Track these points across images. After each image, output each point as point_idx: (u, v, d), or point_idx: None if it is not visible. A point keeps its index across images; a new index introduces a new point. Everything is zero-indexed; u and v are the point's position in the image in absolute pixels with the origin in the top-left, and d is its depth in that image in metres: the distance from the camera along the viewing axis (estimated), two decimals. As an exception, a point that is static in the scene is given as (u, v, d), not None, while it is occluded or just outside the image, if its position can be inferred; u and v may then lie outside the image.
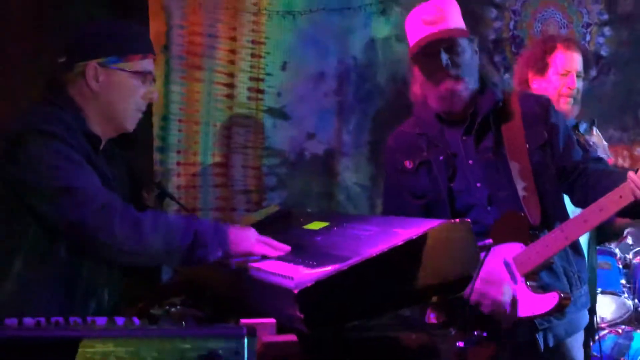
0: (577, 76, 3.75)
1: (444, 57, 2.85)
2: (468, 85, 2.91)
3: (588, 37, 4.82)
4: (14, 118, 2.44)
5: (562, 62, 3.74)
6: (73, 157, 2.34)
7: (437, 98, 2.93)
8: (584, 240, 3.68)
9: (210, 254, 2.36)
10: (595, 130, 3.71)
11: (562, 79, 3.73)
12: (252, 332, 1.59)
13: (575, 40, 3.88)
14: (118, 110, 2.52)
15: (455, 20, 2.91)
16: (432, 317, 2.80)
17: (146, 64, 2.55)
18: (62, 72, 2.51)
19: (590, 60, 3.87)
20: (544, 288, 2.80)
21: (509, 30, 4.82)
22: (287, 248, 2.47)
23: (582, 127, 3.76)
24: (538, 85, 3.77)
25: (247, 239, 2.45)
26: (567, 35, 4.02)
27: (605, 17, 4.86)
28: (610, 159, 3.62)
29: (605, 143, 3.77)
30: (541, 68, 3.77)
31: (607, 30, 4.86)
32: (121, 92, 2.51)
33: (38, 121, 2.36)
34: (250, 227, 2.57)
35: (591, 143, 3.60)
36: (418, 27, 2.89)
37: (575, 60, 3.75)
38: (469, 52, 2.91)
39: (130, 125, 2.58)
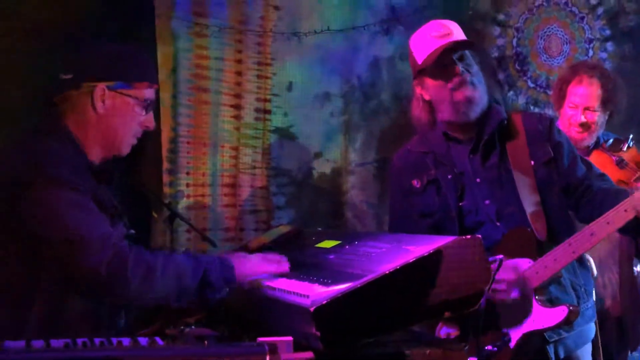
0: (587, 110, 3.83)
1: (460, 64, 2.91)
2: (482, 95, 2.96)
3: (591, 53, 4.87)
4: (18, 157, 2.38)
5: (572, 97, 3.87)
6: (82, 203, 2.31)
7: (453, 107, 2.95)
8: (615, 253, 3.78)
9: (217, 293, 2.39)
10: (627, 146, 3.77)
11: (571, 111, 3.84)
12: (274, 349, 1.62)
13: (595, 74, 3.90)
14: (117, 135, 2.51)
15: (462, 35, 2.98)
16: (442, 333, 2.83)
17: (150, 93, 2.56)
18: (64, 89, 2.49)
19: (616, 89, 3.91)
20: (552, 301, 2.85)
21: (512, 47, 4.86)
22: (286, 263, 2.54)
23: (609, 142, 3.84)
24: (561, 112, 3.94)
25: (252, 266, 2.49)
26: (590, 68, 4.00)
27: (608, 32, 4.91)
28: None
29: None
30: (561, 97, 3.93)
31: (609, 45, 4.91)
32: (123, 118, 2.50)
33: (45, 164, 2.31)
34: (252, 255, 2.59)
35: (616, 158, 3.67)
36: (428, 42, 2.94)
37: (585, 96, 3.84)
38: (476, 65, 2.98)
39: (125, 150, 2.56)
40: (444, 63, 2.91)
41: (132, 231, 2.55)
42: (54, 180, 2.29)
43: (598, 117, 3.85)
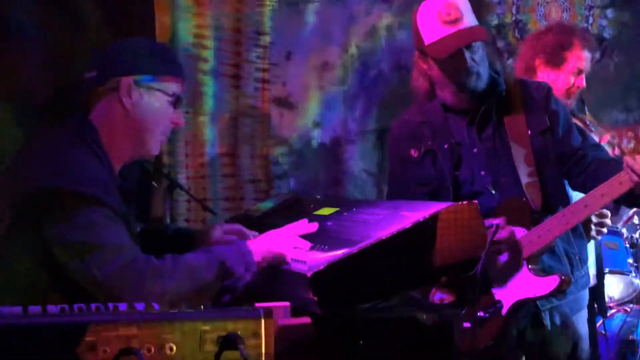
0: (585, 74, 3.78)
1: (468, 56, 2.87)
2: (485, 81, 2.94)
3: (591, 20, 4.85)
4: (46, 169, 2.27)
5: (579, 61, 3.74)
6: (110, 216, 2.24)
7: (456, 94, 2.95)
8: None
9: (239, 281, 2.29)
10: (586, 108, 3.76)
11: (574, 77, 3.75)
12: (269, 313, 1.62)
13: (590, 38, 3.84)
14: (147, 132, 2.42)
15: (472, 17, 2.91)
16: (436, 298, 2.85)
17: (177, 87, 2.46)
18: (89, 88, 2.40)
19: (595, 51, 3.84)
20: (545, 270, 2.87)
21: (512, 15, 4.84)
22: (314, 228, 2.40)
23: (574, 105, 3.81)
24: (547, 76, 3.73)
25: (274, 244, 2.36)
26: (583, 32, 3.93)
27: (608, -1, 4.90)
28: (605, 136, 3.66)
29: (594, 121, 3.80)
30: (557, 62, 3.74)
31: (609, 12, 4.88)
32: (152, 113, 2.41)
33: (76, 181, 2.22)
34: (278, 229, 2.46)
35: (587, 122, 3.66)
36: (436, 26, 2.86)
37: (588, 60, 3.76)
38: (481, 49, 2.94)
39: (156, 150, 2.48)
40: (452, 54, 2.87)
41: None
42: (84, 197, 2.21)
43: None
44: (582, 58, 3.74)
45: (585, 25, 4.80)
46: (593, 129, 3.67)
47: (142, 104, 2.39)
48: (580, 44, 3.73)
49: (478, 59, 2.90)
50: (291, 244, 2.36)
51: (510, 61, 4.82)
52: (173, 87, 2.45)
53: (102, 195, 2.24)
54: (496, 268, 2.81)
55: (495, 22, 4.83)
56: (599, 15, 4.87)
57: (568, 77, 3.76)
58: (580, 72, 3.75)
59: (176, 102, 2.46)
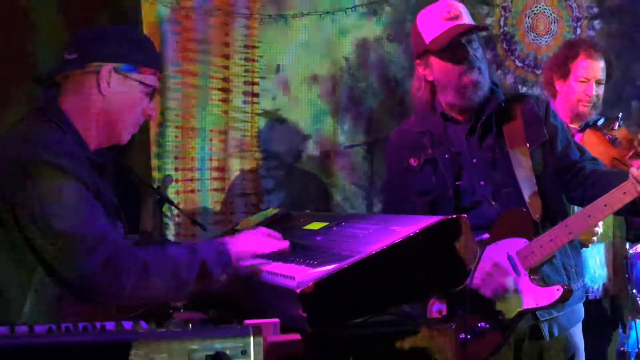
0: (598, 83, 3.86)
1: (470, 49, 2.91)
2: (486, 80, 2.97)
3: (579, 31, 4.86)
4: (20, 141, 2.28)
5: (582, 70, 3.85)
6: (83, 196, 2.23)
7: (459, 90, 2.96)
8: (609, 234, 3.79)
9: (214, 282, 2.32)
10: (618, 125, 3.81)
11: (582, 85, 3.84)
12: (258, 331, 1.61)
13: (598, 48, 3.94)
14: (119, 120, 2.45)
15: (470, 17, 2.99)
16: (434, 311, 2.84)
17: (155, 80, 2.51)
18: (67, 69, 2.42)
19: (614, 63, 3.92)
20: (544, 281, 2.87)
21: (500, 26, 4.85)
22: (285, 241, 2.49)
23: (601, 121, 3.87)
24: (560, 89, 3.92)
25: (249, 246, 2.43)
26: (591, 42, 4.07)
27: (595, 10, 4.91)
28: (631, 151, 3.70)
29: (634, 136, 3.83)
30: (564, 73, 3.90)
31: (597, 23, 4.90)
32: (127, 102, 2.45)
33: (47, 152, 2.23)
34: (252, 230, 2.55)
35: (609, 136, 3.70)
36: (437, 23, 2.94)
37: (595, 69, 3.85)
38: (481, 49, 2.99)
39: (125, 138, 2.51)
40: (453, 46, 2.90)
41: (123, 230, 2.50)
42: (56, 167, 2.21)
43: (602, 91, 3.88)
44: (587, 67, 3.83)
45: (574, 36, 4.82)
46: (617, 145, 3.70)
47: (119, 92, 2.43)
48: (584, 54, 3.84)
49: (479, 55, 2.94)
50: (267, 246, 2.43)
51: (498, 73, 4.83)
52: (150, 78, 2.50)
53: (67, 165, 2.23)
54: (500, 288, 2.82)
55: (483, 33, 4.83)
56: (586, 27, 4.89)
57: (576, 86, 3.83)
58: (587, 80, 3.80)
59: (152, 93, 2.51)
